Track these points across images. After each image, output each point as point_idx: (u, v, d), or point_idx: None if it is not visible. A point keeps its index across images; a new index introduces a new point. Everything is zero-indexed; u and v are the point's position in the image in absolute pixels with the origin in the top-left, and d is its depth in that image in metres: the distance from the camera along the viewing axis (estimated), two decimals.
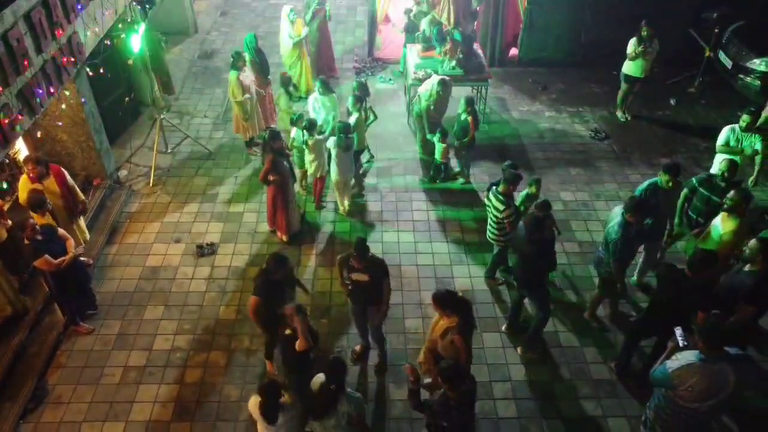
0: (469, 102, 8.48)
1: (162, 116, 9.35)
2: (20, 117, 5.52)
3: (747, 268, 5.59)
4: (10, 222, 6.80)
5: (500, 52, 12.03)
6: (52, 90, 6.16)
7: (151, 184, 9.03)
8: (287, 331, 5.19)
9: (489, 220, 6.97)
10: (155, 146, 9.27)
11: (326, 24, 11.04)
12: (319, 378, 4.83)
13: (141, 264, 7.76)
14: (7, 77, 5.38)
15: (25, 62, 5.60)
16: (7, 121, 5.21)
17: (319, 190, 8.50)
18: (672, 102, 11.03)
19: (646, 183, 6.65)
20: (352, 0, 14.55)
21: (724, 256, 6.07)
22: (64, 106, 7.23)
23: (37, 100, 5.91)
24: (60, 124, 7.56)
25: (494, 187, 6.76)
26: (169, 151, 9.68)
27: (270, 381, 4.85)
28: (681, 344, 4.80)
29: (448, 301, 5.14)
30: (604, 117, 10.70)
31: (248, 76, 9.00)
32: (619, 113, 10.65)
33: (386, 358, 6.51)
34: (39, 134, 7.31)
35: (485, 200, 6.96)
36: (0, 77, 5.28)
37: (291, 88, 9.19)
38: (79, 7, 6.83)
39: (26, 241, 6.01)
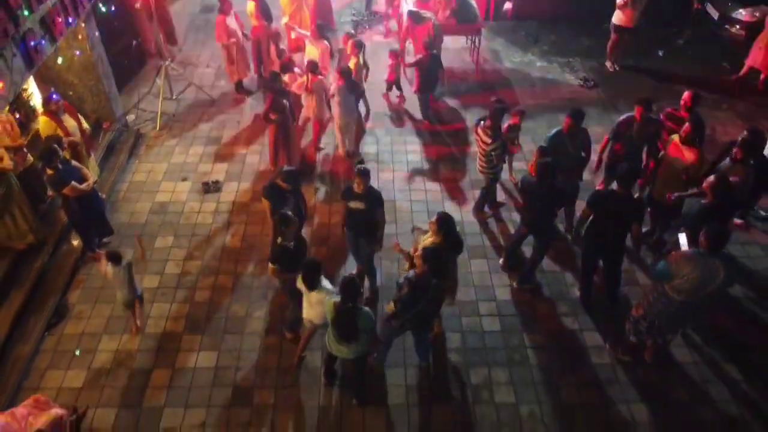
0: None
1: (167, 63, 9.74)
2: (43, 42, 5.98)
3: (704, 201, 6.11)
4: (31, 158, 7.26)
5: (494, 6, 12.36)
6: (70, 20, 6.64)
7: (157, 128, 9.47)
8: (278, 240, 5.70)
9: (479, 154, 7.42)
10: (161, 93, 9.69)
11: None
12: (332, 299, 5.18)
13: (150, 200, 8.24)
14: (31, 4, 5.85)
15: None
16: (32, 43, 5.67)
17: (317, 133, 8.93)
18: (660, 53, 11.39)
19: (624, 116, 7.14)
20: None
21: (685, 184, 6.60)
22: (79, 36, 7.70)
23: (56, 28, 6.40)
24: (78, 53, 8.06)
25: (482, 122, 7.21)
26: (174, 97, 10.09)
27: (312, 259, 5.47)
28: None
29: (448, 225, 5.66)
30: (594, 67, 11.09)
31: (233, 20, 9.50)
32: (608, 63, 11.03)
33: (377, 292, 6.98)
34: (60, 60, 7.85)
35: (474, 135, 7.40)
36: (25, 2, 5.74)
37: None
38: None
39: (50, 171, 6.44)
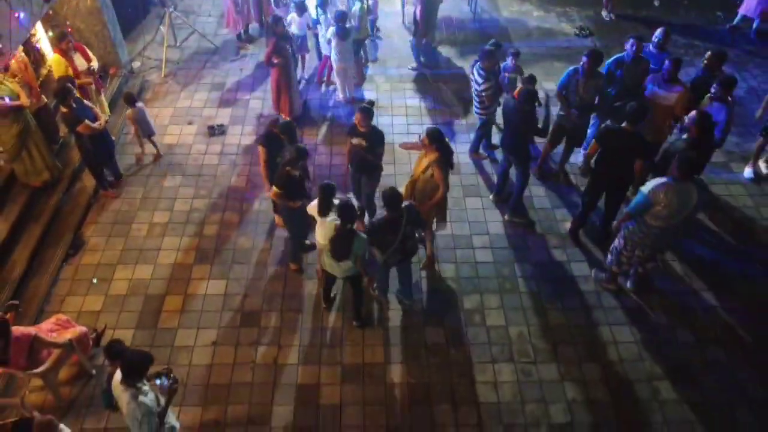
0: None
1: (170, 10, 9.91)
2: None
3: (684, 136, 6.39)
4: (44, 99, 7.53)
5: None
6: None
7: (163, 75, 9.70)
8: (287, 168, 6.00)
9: (473, 94, 7.69)
10: (165, 40, 9.89)
11: None
12: (335, 221, 5.53)
13: (158, 141, 8.52)
14: None
15: None
16: None
17: (322, 68, 9.31)
18: (655, 2, 11.53)
19: (613, 57, 7.38)
20: None
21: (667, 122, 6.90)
22: None
23: None
24: None
25: (477, 63, 7.46)
26: (178, 45, 10.30)
27: (327, 182, 5.66)
28: None
29: (439, 138, 5.96)
30: (590, 16, 11.24)
31: None
32: (603, 12, 11.19)
33: None
34: None
35: (470, 76, 7.66)
36: None
37: None
38: None
39: (64, 110, 6.73)
